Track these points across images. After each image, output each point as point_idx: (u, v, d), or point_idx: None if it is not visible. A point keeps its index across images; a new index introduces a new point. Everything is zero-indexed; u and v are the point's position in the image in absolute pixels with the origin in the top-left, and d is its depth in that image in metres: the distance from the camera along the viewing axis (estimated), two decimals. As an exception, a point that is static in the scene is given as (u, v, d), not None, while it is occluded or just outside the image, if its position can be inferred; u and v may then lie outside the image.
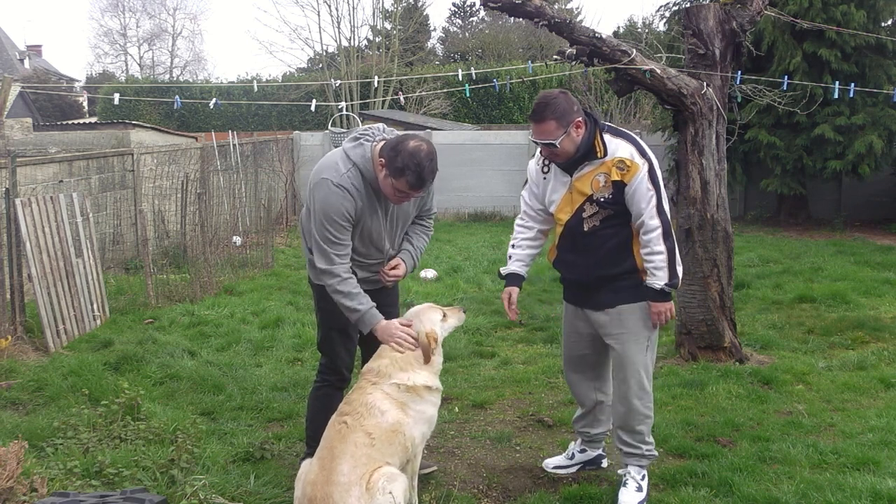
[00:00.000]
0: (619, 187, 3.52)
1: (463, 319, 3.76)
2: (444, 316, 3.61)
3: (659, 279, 3.51)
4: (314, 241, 3.51)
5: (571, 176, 3.62)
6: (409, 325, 3.49)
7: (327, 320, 3.82)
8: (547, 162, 3.72)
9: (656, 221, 3.47)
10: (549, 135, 3.49)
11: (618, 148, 3.53)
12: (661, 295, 3.53)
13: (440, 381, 3.53)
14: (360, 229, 3.55)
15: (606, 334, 3.72)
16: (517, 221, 3.96)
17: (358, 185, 3.47)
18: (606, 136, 3.56)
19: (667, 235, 3.48)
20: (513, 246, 3.94)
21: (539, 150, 3.71)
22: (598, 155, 3.53)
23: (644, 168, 3.48)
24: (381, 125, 3.69)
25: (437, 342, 3.49)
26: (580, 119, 3.51)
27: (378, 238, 3.64)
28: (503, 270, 3.95)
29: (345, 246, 3.49)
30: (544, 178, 3.76)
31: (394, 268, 3.74)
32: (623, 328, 3.66)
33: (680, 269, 3.54)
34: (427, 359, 3.43)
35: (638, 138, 3.64)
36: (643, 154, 3.53)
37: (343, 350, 3.85)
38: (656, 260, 3.50)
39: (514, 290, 3.87)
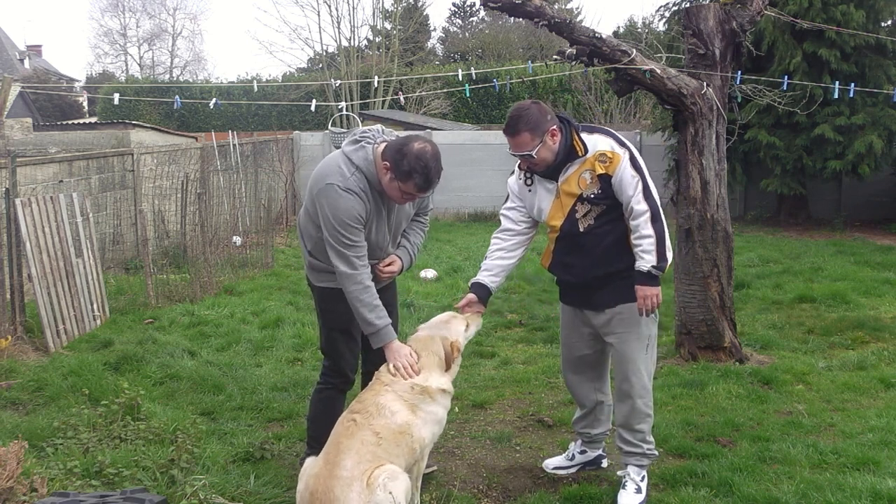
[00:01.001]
0: (605, 180, 3.53)
1: (481, 325, 3.84)
2: (467, 325, 3.67)
3: (646, 262, 3.50)
4: (330, 248, 3.49)
5: (557, 181, 3.63)
6: (417, 355, 3.48)
7: (329, 321, 3.80)
8: (529, 174, 3.73)
9: (643, 206, 3.48)
10: (525, 146, 3.52)
11: (597, 143, 3.56)
12: (649, 278, 3.52)
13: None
14: (367, 232, 3.54)
15: (607, 333, 3.73)
16: (494, 235, 3.90)
17: (364, 188, 3.47)
18: (583, 135, 3.59)
19: (655, 219, 3.48)
20: (486, 258, 3.88)
21: (519, 163, 3.72)
22: (580, 153, 3.56)
23: (625, 157, 3.51)
24: (379, 127, 3.68)
25: (459, 352, 3.56)
26: (555, 127, 3.53)
27: (382, 239, 3.65)
28: (470, 282, 3.87)
29: (362, 247, 3.49)
30: (529, 191, 3.76)
31: (389, 264, 3.73)
32: (624, 327, 3.66)
33: (670, 254, 3.53)
34: (448, 367, 3.50)
35: (614, 131, 3.67)
36: (622, 144, 3.56)
37: (347, 351, 3.82)
38: (644, 243, 3.50)
39: (471, 297, 3.79)
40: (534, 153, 3.51)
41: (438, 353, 3.50)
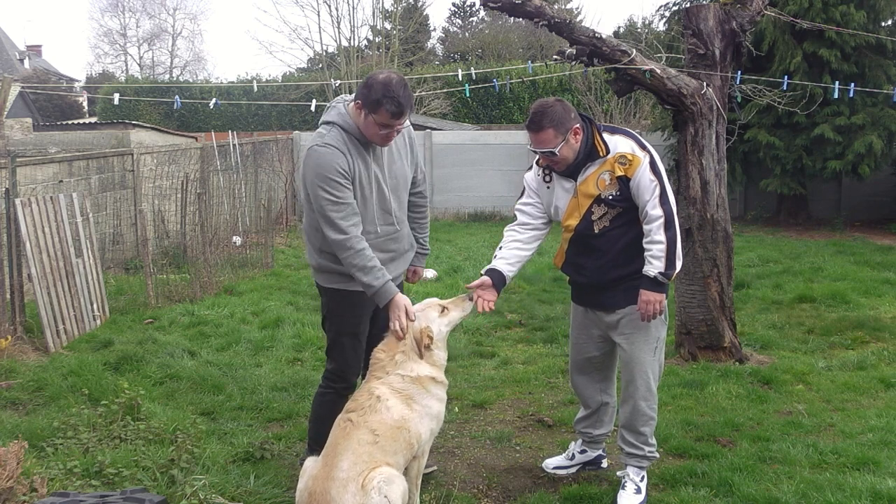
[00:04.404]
0: (623, 182, 3.52)
1: (469, 308, 3.58)
2: (444, 310, 3.52)
3: (654, 267, 3.50)
4: (319, 216, 3.45)
5: (576, 180, 3.62)
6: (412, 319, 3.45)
7: (337, 325, 3.77)
8: (548, 171, 3.72)
9: (659, 211, 3.47)
10: (548, 143, 3.50)
11: (618, 144, 3.56)
12: (654, 284, 3.51)
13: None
14: (360, 189, 3.50)
15: (617, 334, 3.73)
16: (507, 228, 3.86)
17: (343, 140, 3.45)
18: (605, 135, 3.58)
19: (668, 226, 3.47)
20: (500, 248, 3.81)
21: (537, 159, 3.71)
22: (601, 154, 3.55)
23: (645, 160, 3.50)
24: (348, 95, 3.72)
25: (431, 339, 3.43)
26: (577, 126, 3.52)
27: (384, 200, 3.60)
28: (484, 269, 3.75)
29: (348, 205, 3.42)
30: (548, 188, 3.74)
31: (414, 272, 3.96)
32: (633, 328, 3.66)
33: (679, 262, 3.52)
34: (419, 354, 3.40)
35: (634, 133, 3.66)
36: (643, 147, 3.55)
37: (352, 355, 3.79)
38: (655, 249, 3.49)
39: (486, 279, 3.65)
40: (557, 150, 3.50)
41: (409, 345, 3.41)
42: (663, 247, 3.48)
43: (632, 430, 3.74)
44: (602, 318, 3.76)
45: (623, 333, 3.70)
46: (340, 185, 3.40)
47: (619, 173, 3.52)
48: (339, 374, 3.82)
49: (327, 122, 3.52)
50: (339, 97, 3.66)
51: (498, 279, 3.69)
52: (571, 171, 3.61)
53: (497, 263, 3.73)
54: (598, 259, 3.65)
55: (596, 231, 3.61)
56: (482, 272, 3.73)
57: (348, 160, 3.43)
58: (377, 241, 3.61)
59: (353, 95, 3.48)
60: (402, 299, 3.44)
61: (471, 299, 3.59)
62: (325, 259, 3.63)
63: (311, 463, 3.29)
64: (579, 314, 3.91)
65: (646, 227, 3.52)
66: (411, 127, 3.83)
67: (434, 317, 3.50)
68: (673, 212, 3.50)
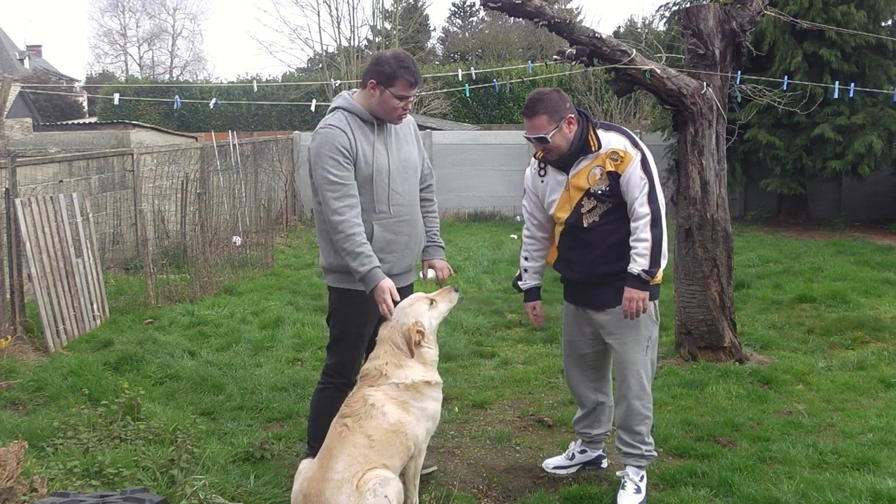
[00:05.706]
0: (614, 178, 3.56)
1: (455, 300, 3.57)
2: (433, 303, 3.48)
3: (638, 265, 3.51)
4: (320, 198, 3.52)
5: (568, 174, 3.66)
6: (397, 301, 3.46)
7: (343, 323, 3.77)
8: (543, 165, 3.75)
9: (646, 209, 3.50)
10: (541, 129, 3.55)
11: (611, 140, 3.59)
12: (638, 281, 3.52)
13: (440, 376, 3.49)
14: (364, 167, 3.54)
15: (607, 333, 3.73)
16: (525, 232, 4.00)
17: (345, 120, 3.55)
18: (599, 131, 3.61)
19: (655, 224, 3.50)
20: (526, 259, 3.97)
21: (535, 152, 3.78)
22: (593, 149, 3.59)
23: (637, 158, 3.54)
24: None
25: (422, 335, 3.38)
26: (572, 116, 3.57)
27: (393, 181, 3.63)
28: (523, 285, 3.98)
29: (344, 185, 3.48)
30: (542, 182, 3.79)
31: (431, 266, 3.96)
32: (623, 328, 3.66)
33: (664, 261, 3.54)
34: (410, 352, 3.35)
35: (629, 131, 3.70)
36: (636, 145, 3.59)
37: (355, 353, 3.79)
38: (640, 247, 3.51)
39: (539, 304, 4.00)
40: (549, 137, 3.54)
41: (399, 345, 3.37)
42: (648, 244, 3.49)
43: (628, 429, 3.74)
44: (592, 317, 3.78)
45: (613, 333, 3.71)
46: (339, 163, 3.48)
47: (610, 169, 3.55)
48: (339, 370, 3.82)
49: (331, 109, 3.63)
50: (342, 92, 3.75)
51: (540, 295, 4.03)
52: (564, 164, 3.65)
53: (534, 280, 3.99)
54: (588, 254, 3.67)
55: (585, 224, 3.64)
56: (522, 288, 4.00)
57: (349, 138, 3.52)
58: (390, 223, 3.66)
59: (363, 78, 3.58)
60: (387, 283, 3.46)
61: (456, 291, 3.61)
62: (338, 258, 3.61)
63: (305, 465, 3.29)
64: (571, 312, 3.94)
65: (632, 225, 3.55)
66: (414, 120, 3.90)
67: (424, 310, 3.44)
68: (660, 211, 3.52)
